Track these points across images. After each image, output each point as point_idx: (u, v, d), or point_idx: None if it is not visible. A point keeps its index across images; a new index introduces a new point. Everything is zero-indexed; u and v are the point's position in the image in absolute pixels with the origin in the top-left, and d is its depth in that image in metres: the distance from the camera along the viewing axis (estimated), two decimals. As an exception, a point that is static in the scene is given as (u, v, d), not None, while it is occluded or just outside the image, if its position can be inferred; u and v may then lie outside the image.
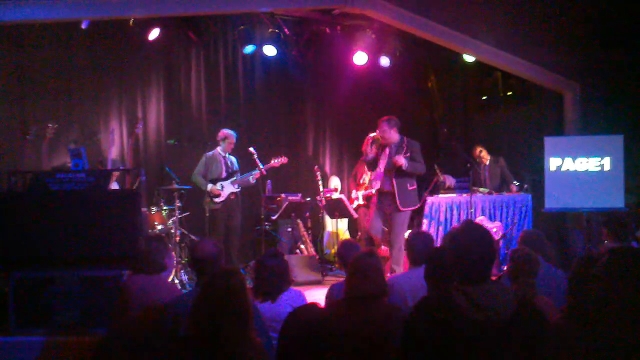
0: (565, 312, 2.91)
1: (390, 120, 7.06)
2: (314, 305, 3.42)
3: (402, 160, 6.87)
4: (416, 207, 7.30)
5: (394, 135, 7.03)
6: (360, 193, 8.84)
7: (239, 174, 8.10)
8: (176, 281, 7.22)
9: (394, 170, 6.94)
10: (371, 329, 3.12)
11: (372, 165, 7.16)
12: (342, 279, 5.23)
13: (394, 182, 6.94)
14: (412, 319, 2.58)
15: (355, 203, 9.00)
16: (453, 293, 2.49)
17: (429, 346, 2.46)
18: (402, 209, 6.97)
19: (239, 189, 8.07)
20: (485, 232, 2.63)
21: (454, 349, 2.42)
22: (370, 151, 7.09)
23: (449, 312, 2.45)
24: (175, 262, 7.15)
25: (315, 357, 3.08)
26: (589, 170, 8.00)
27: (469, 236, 2.59)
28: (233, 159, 8.23)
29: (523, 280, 3.78)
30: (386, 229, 7.24)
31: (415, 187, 7.14)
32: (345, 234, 9.63)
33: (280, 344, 3.20)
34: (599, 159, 7.97)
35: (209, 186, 7.85)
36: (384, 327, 3.12)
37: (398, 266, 6.82)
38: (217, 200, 7.89)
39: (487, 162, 8.93)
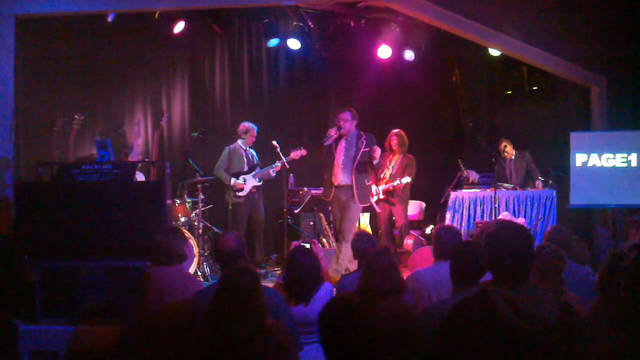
0: (594, 309, 2.86)
1: (353, 111, 6.93)
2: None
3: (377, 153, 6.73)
4: (369, 204, 7.22)
5: (352, 128, 6.89)
6: (381, 187, 8.79)
7: (259, 167, 8.11)
8: (199, 273, 7.27)
9: (355, 164, 6.81)
10: (383, 325, 3.10)
11: (327, 152, 6.90)
12: (353, 272, 5.21)
13: (353, 176, 6.80)
14: (449, 323, 2.45)
15: (376, 197, 8.96)
16: (493, 297, 2.37)
17: (469, 352, 2.35)
18: (359, 203, 6.85)
19: (260, 183, 8.09)
20: (524, 231, 2.51)
21: (496, 358, 2.32)
22: (333, 135, 6.83)
23: (491, 318, 2.33)
24: (197, 253, 7.20)
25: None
26: (616, 166, 7.88)
27: (508, 236, 2.45)
28: (253, 152, 8.25)
29: (553, 278, 3.71)
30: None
31: (370, 183, 7.11)
32: (367, 228, 9.59)
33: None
34: (626, 155, 7.84)
35: (233, 180, 7.88)
36: (397, 325, 3.09)
37: (351, 263, 6.45)
38: (240, 194, 7.91)
39: (513, 157, 8.82)
